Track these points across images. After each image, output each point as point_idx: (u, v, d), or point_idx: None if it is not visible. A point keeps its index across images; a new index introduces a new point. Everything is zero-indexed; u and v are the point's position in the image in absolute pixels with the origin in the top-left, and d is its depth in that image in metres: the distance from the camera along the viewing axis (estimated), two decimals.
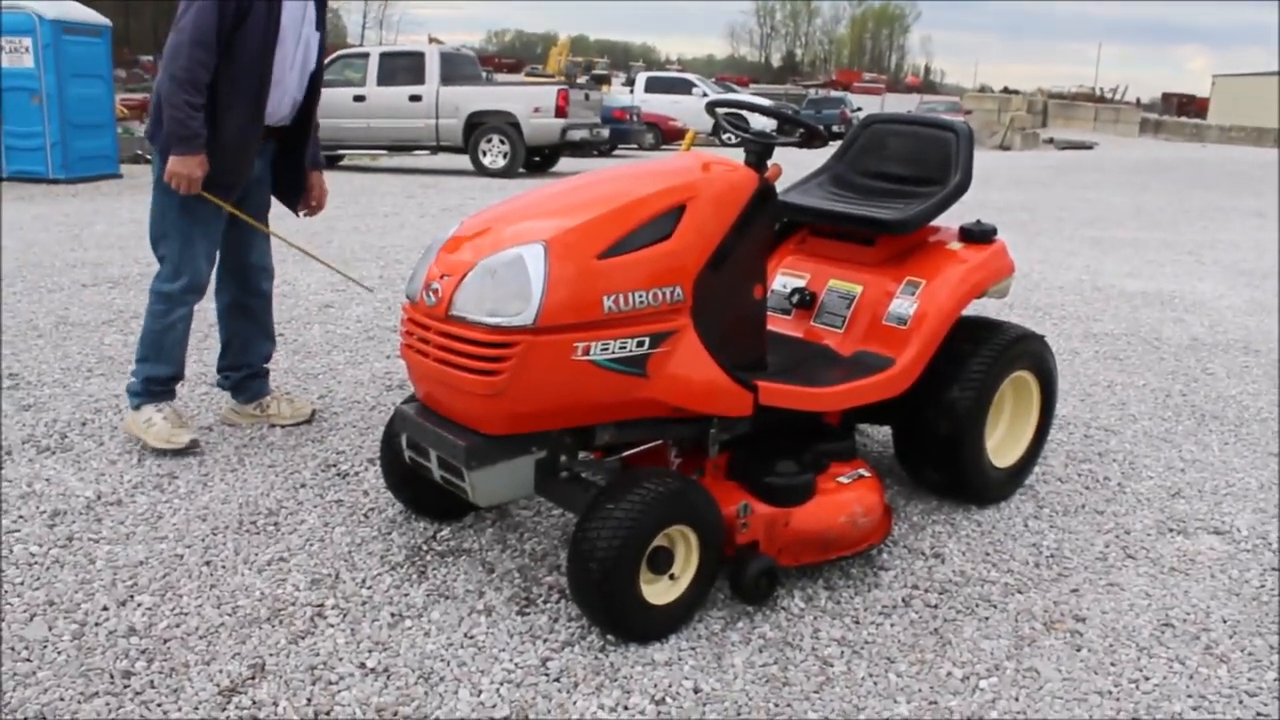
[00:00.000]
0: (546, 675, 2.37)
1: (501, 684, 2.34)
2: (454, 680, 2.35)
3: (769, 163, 2.85)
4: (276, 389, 4.12)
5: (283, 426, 3.92)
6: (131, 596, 2.69)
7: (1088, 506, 3.42)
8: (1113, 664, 2.49)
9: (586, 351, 2.44)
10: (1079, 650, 2.55)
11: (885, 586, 2.84)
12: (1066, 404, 4.47)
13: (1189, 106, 60.89)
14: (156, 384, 3.68)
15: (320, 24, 3.69)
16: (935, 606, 2.74)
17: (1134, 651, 2.55)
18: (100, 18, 13.65)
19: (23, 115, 12.83)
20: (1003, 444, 3.41)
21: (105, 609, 2.63)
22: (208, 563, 2.88)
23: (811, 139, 2.97)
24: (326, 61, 4.61)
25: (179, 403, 3.92)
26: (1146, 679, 2.43)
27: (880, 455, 3.76)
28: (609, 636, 2.51)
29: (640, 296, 2.49)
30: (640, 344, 2.50)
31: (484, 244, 2.54)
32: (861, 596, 2.78)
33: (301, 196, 3.87)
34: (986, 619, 2.68)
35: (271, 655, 2.44)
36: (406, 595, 2.72)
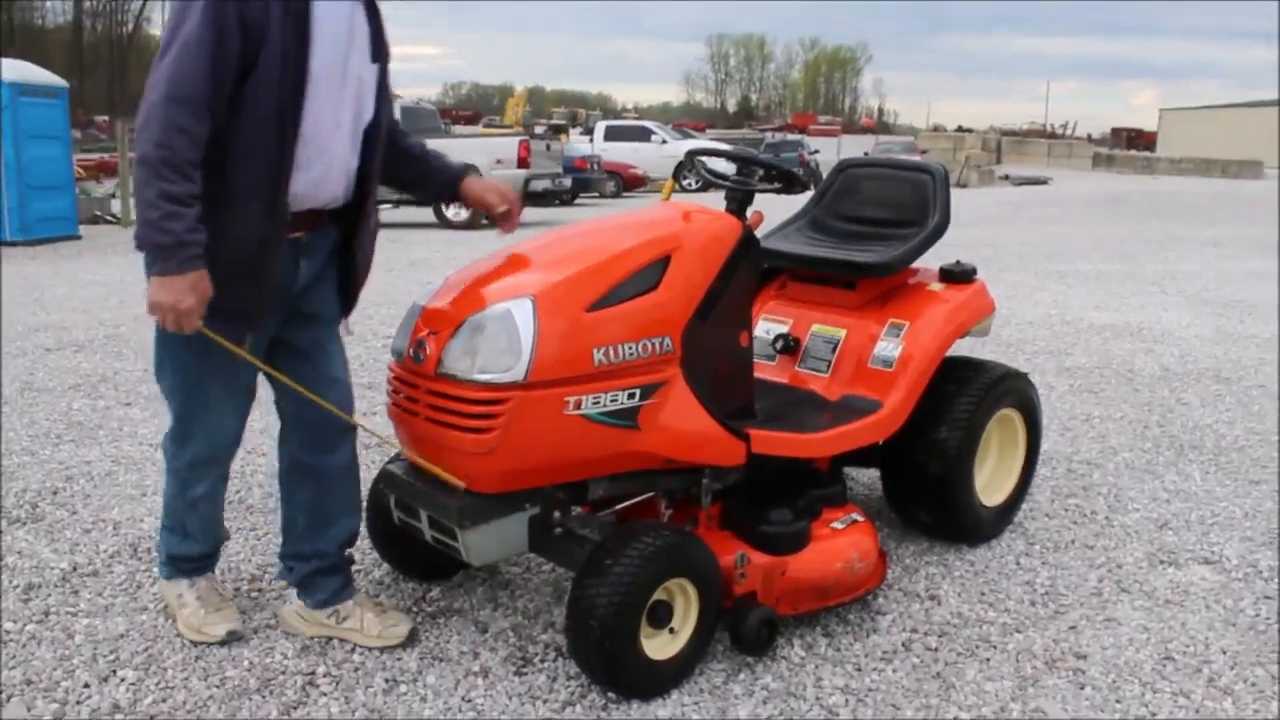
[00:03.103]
0: None
1: None
2: None
3: (750, 210, 2.86)
4: (363, 593, 2.91)
5: (368, 649, 2.70)
6: (114, 672, 2.61)
7: (1078, 541, 3.42)
8: (1118, 701, 2.47)
9: (578, 406, 2.41)
10: (1083, 689, 2.53)
11: (884, 631, 2.82)
12: (1047, 439, 4.49)
13: (1137, 140, 62.20)
14: (186, 562, 2.78)
15: (379, 54, 2.52)
16: (935, 650, 2.71)
17: (1138, 687, 2.53)
18: (57, 79, 13.58)
19: None
20: (991, 482, 3.41)
21: (86, 686, 2.55)
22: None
23: (791, 185, 2.98)
24: None
25: (222, 568, 3.06)
26: (1153, 715, 2.42)
27: (868, 498, 3.75)
28: (610, 695, 2.46)
29: (630, 348, 2.48)
30: (631, 396, 2.48)
31: (470, 299, 2.51)
32: (861, 643, 2.75)
33: (354, 299, 2.71)
34: (988, 660, 2.66)
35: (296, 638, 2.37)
36: (399, 660, 2.65)
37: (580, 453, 2.47)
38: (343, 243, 2.62)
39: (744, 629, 2.57)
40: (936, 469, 3.17)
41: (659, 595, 2.46)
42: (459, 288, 2.60)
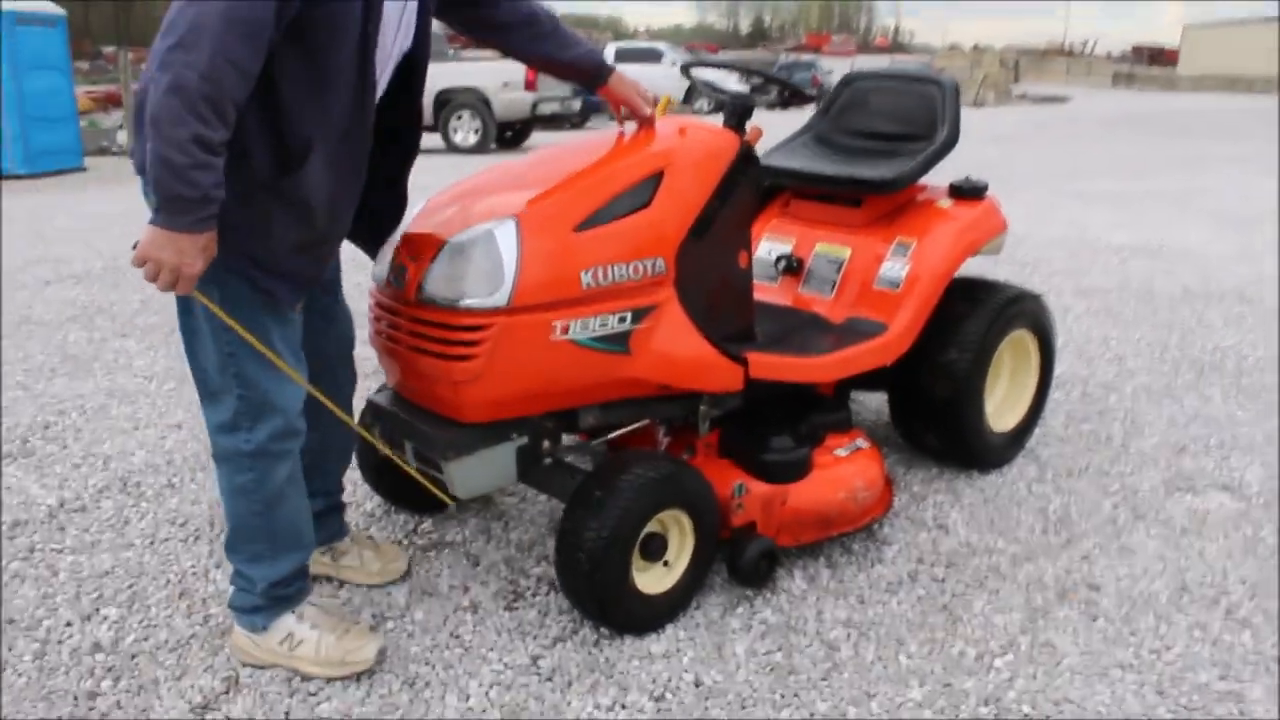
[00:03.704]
0: (538, 674, 2.25)
1: (491, 686, 2.21)
2: (440, 685, 2.22)
3: (749, 124, 2.70)
4: (357, 528, 2.86)
5: (366, 587, 2.62)
6: (97, 610, 2.54)
7: (1092, 467, 3.31)
8: (1131, 634, 2.38)
9: (565, 331, 2.29)
10: (1095, 620, 2.43)
11: (889, 562, 2.72)
12: (1062, 361, 4.35)
13: (1160, 58, 60.76)
14: (285, 587, 2.28)
15: None
16: (942, 580, 2.62)
17: (1152, 619, 2.44)
18: (54, 7, 13.31)
19: None
20: (1002, 407, 3.29)
21: (69, 624, 2.48)
22: (177, 570, 2.73)
23: (791, 98, 2.83)
24: None
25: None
26: (1168, 648, 2.32)
27: (875, 424, 3.64)
28: (602, 630, 2.38)
29: (620, 270, 2.35)
30: (622, 320, 2.36)
31: (452, 222, 2.38)
32: (865, 573, 2.66)
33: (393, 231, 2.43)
34: (996, 591, 2.56)
35: (246, 666, 2.29)
36: (388, 595, 2.58)
37: (569, 380, 2.36)
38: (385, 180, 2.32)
39: (742, 561, 2.48)
40: (945, 393, 3.05)
41: (652, 527, 2.37)
42: (440, 210, 2.47)
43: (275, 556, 2.24)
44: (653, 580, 2.40)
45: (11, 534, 2.95)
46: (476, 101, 14.79)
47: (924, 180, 3.20)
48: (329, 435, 2.49)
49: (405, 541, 2.86)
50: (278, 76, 1.90)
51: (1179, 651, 2.31)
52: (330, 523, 2.63)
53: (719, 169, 2.55)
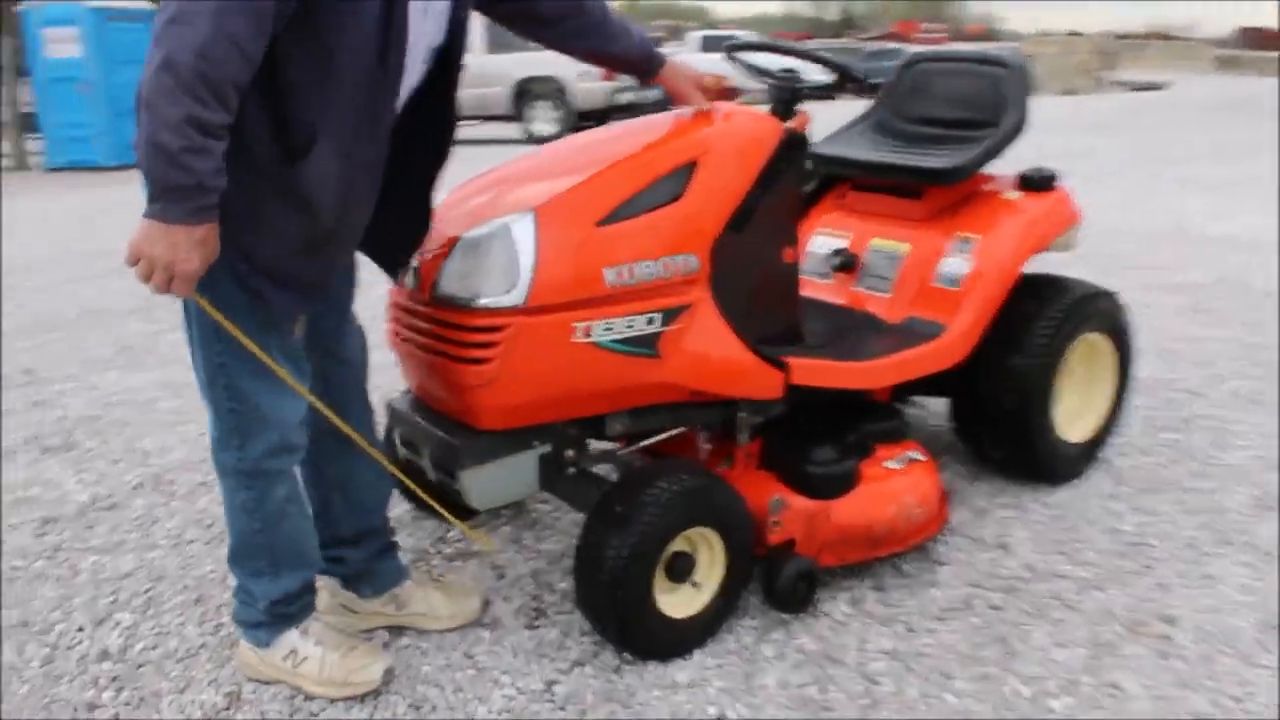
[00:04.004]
0: (551, 701, 2.10)
1: (500, 714, 2.06)
2: (447, 709, 2.08)
3: (797, 110, 2.51)
4: (417, 567, 2.63)
5: (439, 632, 2.35)
6: (110, 615, 2.47)
7: (1174, 483, 3.04)
8: (1209, 677, 2.13)
9: (588, 333, 2.13)
10: (1168, 659, 2.19)
11: (943, 584, 2.51)
12: (1146, 363, 4.04)
13: (1267, 41, 58.19)
14: (287, 604, 2.14)
15: None
16: (1000, 608, 2.40)
17: (1234, 660, 2.19)
18: (145, 3, 13.60)
19: (71, 105, 12.86)
20: (1074, 415, 3.04)
21: (80, 629, 2.42)
22: (197, 575, 2.65)
23: (845, 82, 2.62)
24: None
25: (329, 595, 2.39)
26: (1251, 695, 2.07)
27: (940, 431, 3.41)
28: (626, 655, 2.23)
29: (648, 268, 2.18)
30: (650, 321, 2.20)
31: (468, 216, 2.23)
32: (916, 598, 2.46)
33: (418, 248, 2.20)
34: (1060, 622, 2.34)
35: (250, 681, 2.19)
36: None
37: (592, 385, 2.20)
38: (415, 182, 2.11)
39: (778, 583, 2.30)
40: (1009, 401, 2.82)
41: (679, 546, 2.20)
42: (459, 204, 2.33)
43: (277, 574, 2.10)
44: (680, 602, 2.24)
45: (41, 531, 2.91)
46: (554, 91, 14.81)
47: (991, 170, 2.97)
48: (357, 470, 2.27)
49: (431, 549, 2.75)
50: (282, 58, 1.74)
51: (1264, 700, 2.06)
52: (385, 568, 2.36)
53: (760, 158, 2.36)
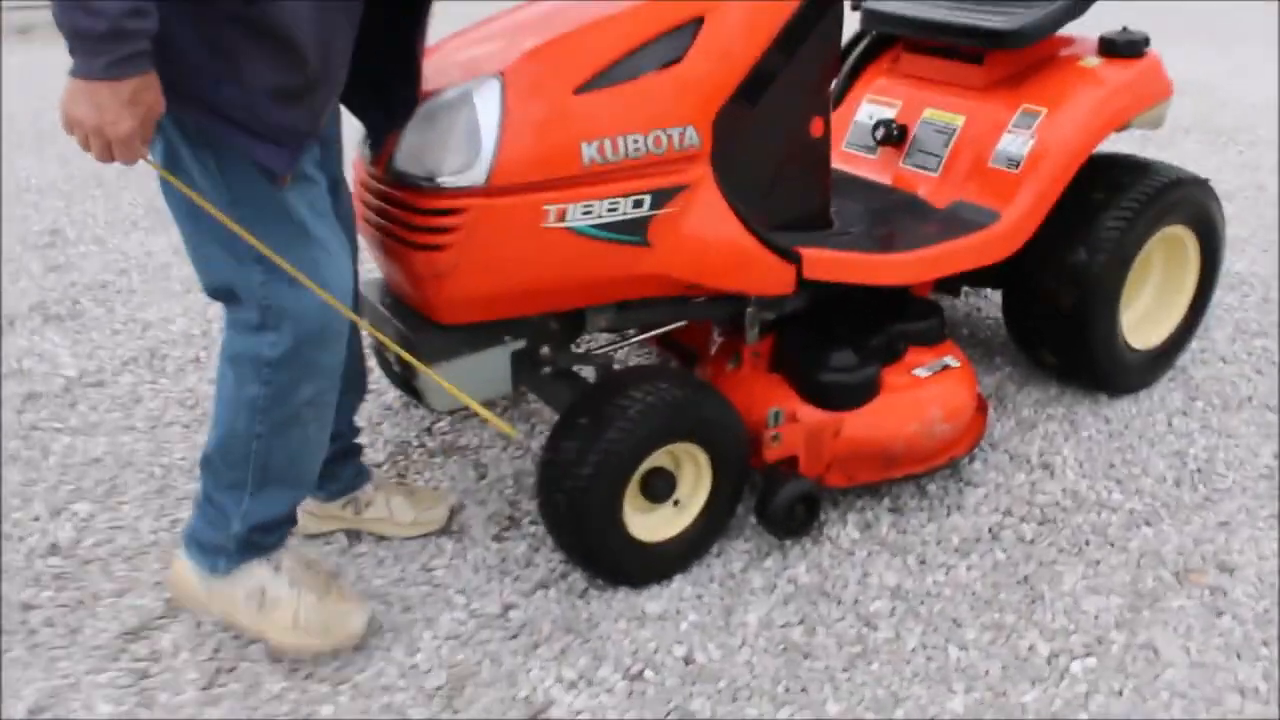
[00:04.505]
0: (504, 629, 1.89)
1: (446, 640, 1.87)
2: (391, 632, 1.90)
3: None
4: (379, 469, 2.42)
5: (401, 539, 2.17)
6: (69, 505, 2.33)
7: (1256, 400, 2.65)
8: (1264, 642, 1.82)
9: (562, 217, 1.84)
10: (1219, 616, 1.89)
11: (969, 510, 2.22)
12: (1244, 256, 3.58)
13: None
14: (269, 531, 1.81)
15: None
16: (1030, 542, 2.11)
17: None
18: None
19: None
20: (1146, 319, 2.66)
21: (36, 519, 2.29)
22: (165, 462, 2.49)
23: None
24: None
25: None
26: None
27: (996, 325, 3.06)
28: (598, 578, 2.00)
29: (635, 142, 1.87)
30: (638, 204, 1.89)
31: (433, 81, 1.93)
32: (936, 523, 2.17)
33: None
34: (1097, 563, 2.03)
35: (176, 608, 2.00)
36: None
37: (569, 276, 1.92)
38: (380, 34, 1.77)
39: (771, 505, 2.03)
40: (1069, 301, 2.46)
41: (658, 462, 1.95)
42: (428, 66, 2.02)
43: (260, 490, 1.74)
44: (660, 523, 2.00)
45: (21, 409, 2.79)
46: None
47: (1069, 32, 2.54)
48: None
49: (415, 441, 2.54)
50: None
51: None
52: (345, 469, 2.12)
53: (781, 13, 2.00)
